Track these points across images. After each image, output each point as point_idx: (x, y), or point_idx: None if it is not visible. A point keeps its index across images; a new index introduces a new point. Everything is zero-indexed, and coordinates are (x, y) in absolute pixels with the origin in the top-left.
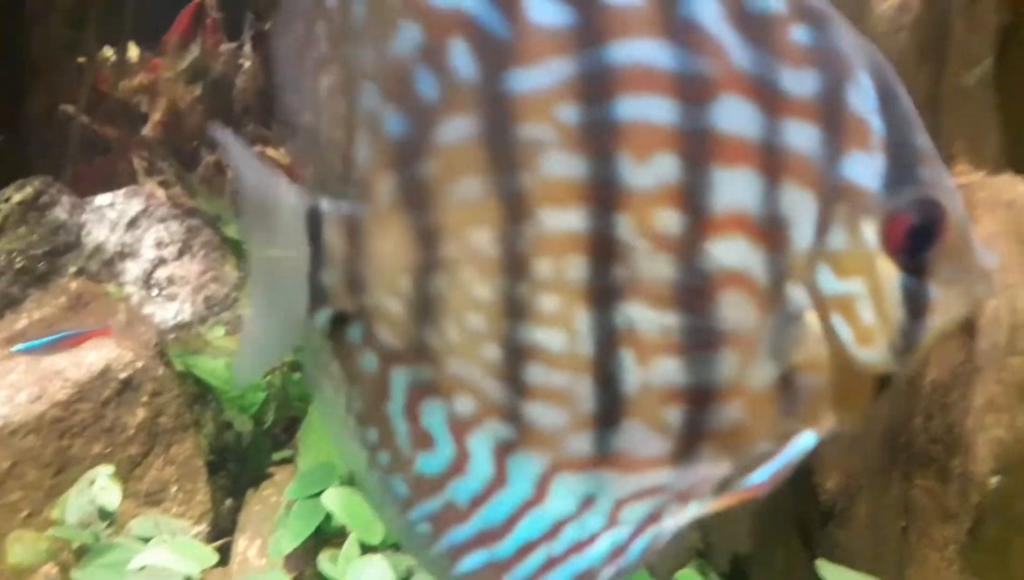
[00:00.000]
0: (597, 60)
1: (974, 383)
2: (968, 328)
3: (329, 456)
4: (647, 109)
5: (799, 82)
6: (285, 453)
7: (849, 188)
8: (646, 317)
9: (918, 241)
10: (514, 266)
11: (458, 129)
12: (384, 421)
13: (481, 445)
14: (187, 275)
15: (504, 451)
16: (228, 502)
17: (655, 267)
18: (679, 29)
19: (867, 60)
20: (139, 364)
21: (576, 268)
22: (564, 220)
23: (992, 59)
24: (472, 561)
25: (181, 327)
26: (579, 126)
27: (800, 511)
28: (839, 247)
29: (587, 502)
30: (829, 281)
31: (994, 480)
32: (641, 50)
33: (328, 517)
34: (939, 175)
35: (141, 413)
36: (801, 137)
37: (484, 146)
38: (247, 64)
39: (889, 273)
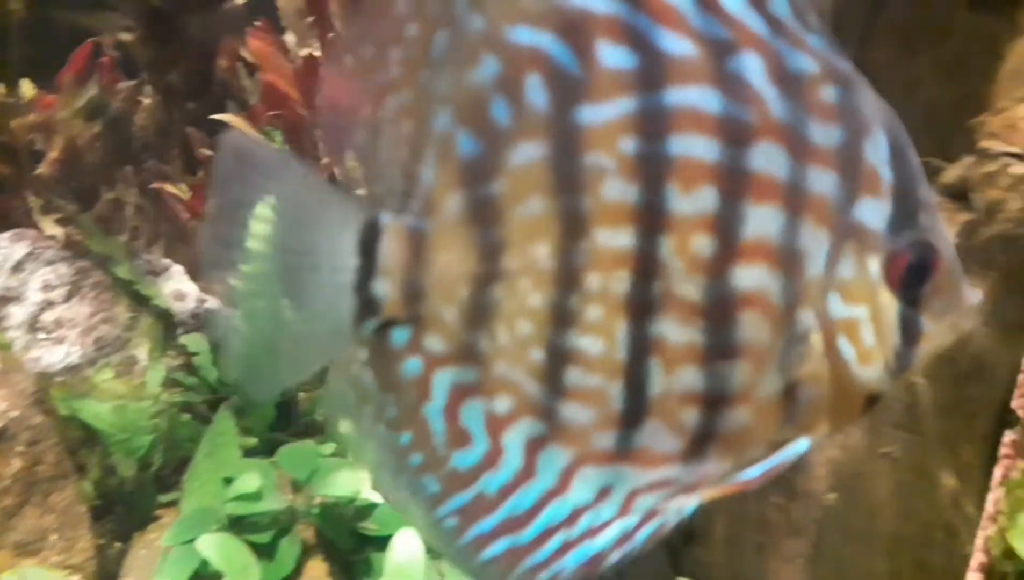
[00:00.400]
0: (654, 101)
1: None
2: None
3: (211, 500)
4: (694, 147)
5: (824, 134)
6: (174, 495)
7: (859, 228)
8: (674, 329)
9: (914, 277)
10: (566, 279)
11: (526, 153)
12: (421, 423)
13: (514, 440)
14: (76, 317)
15: (535, 446)
16: (116, 546)
17: (687, 286)
18: (726, 80)
19: (883, 119)
20: (13, 414)
21: (619, 282)
22: (614, 239)
23: None
24: (496, 547)
25: (69, 370)
26: (634, 157)
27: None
28: (847, 278)
29: (603, 492)
30: (837, 307)
31: (831, 496)
32: (693, 95)
33: (206, 562)
34: (935, 221)
35: (16, 463)
36: (822, 182)
37: (549, 170)
38: (146, 101)
39: (888, 303)
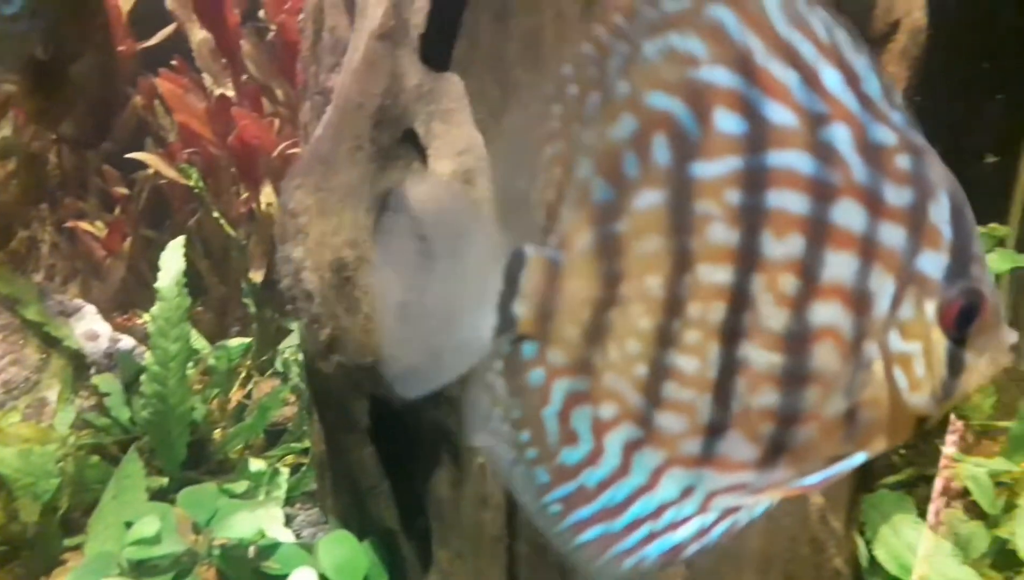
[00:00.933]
0: (757, 161)
1: None
2: None
3: (112, 545)
4: (787, 201)
5: (897, 196)
6: (80, 539)
7: (920, 276)
8: (759, 354)
9: (963, 320)
10: (671, 306)
11: (648, 200)
12: (539, 424)
13: (614, 443)
14: None
15: (631, 448)
16: None
17: (773, 317)
18: (819, 147)
19: (947, 184)
20: None
21: (715, 311)
22: (714, 275)
23: None
24: (591, 533)
25: None
26: (738, 207)
27: (549, 556)
28: (906, 318)
29: (687, 491)
30: (896, 342)
31: None
32: (790, 158)
33: None
34: (984, 271)
35: None
36: (892, 236)
37: (665, 215)
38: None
39: (939, 341)
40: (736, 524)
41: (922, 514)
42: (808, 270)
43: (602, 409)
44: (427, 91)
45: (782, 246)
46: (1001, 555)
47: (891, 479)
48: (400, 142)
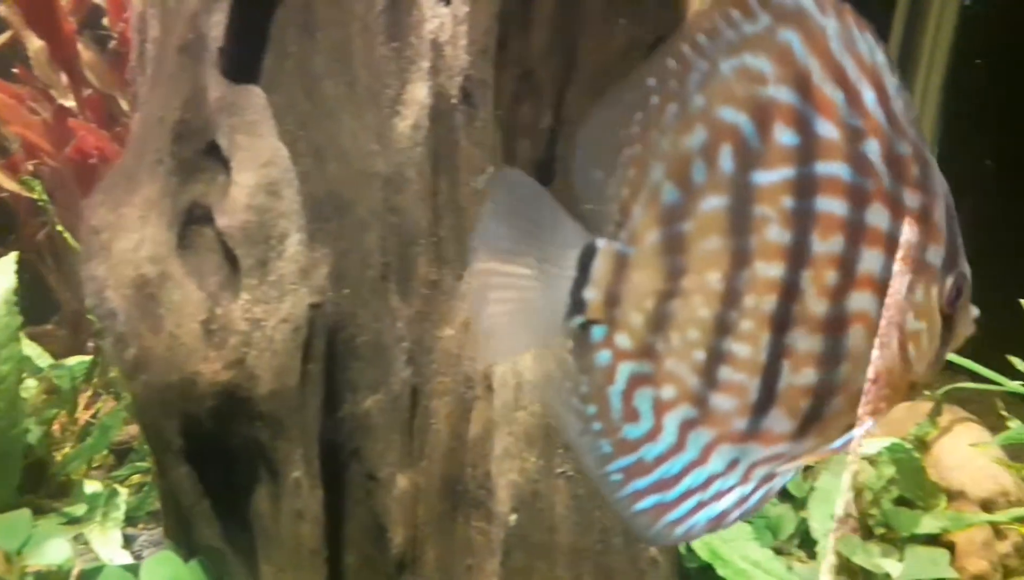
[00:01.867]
0: (807, 170)
1: (494, 436)
2: (487, 388)
3: None
4: (831, 205)
5: (912, 200)
6: None
7: (927, 266)
8: (802, 339)
9: (954, 300)
10: (728, 298)
11: (712, 203)
12: (604, 400)
13: (672, 421)
14: None
15: (687, 426)
16: None
17: (816, 306)
18: (856, 158)
19: (943, 188)
20: None
21: (767, 303)
22: (768, 270)
23: (494, 168)
24: (647, 502)
25: None
26: (791, 210)
27: (377, 566)
28: (918, 301)
29: (732, 464)
30: (911, 322)
31: (513, 517)
32: (834, 168)
33: None
34: (964, 260)
35: None
36: (908, 234)
37: (726, 217)
38: None
39: (938, 319)
40: (771, 490)
41: None
42: (846, 264)
43: (663, 391)
44: (229, 104)
45: (826, 245)
46: (807, 535)
47: None
48: (203, 155)
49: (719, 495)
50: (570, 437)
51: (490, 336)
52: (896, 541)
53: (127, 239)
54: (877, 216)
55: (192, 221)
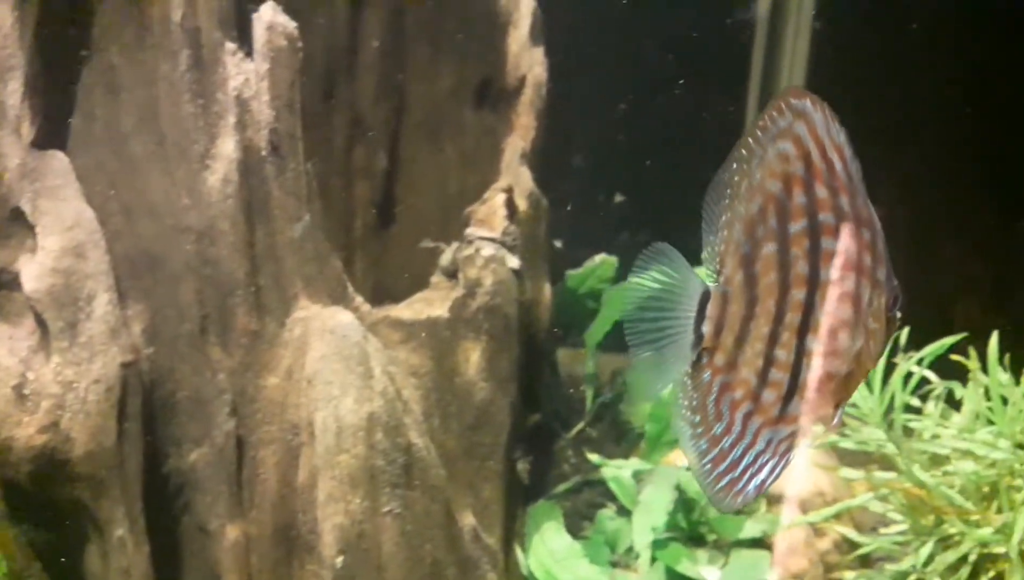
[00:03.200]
0: (814, 220)
1: (317, 481)
2: (310, 435)
3: None
4: (828, 243)
5: (867, 233)
6: None
7: (879, 282)
8: (814, 342)
9: (893, 306)
10: (778, 317)
11: (768, 249)
12: (704, 408)
13: (739, 416)
14: None
15: (747, 417)
16: None
17: (821, 317)
18: (837, 209)
19: (878, 220)
20: None
21: (797, 318)
22: (798, 295)
23: (310, 215)
24: (723, 482)
25: None
26: (807, 249)
27: None
28: (875, 308)
29: (768, 442)
30: (871, 323)
31: (339, 559)
32: (826, 217)
33: None
34: (892, 274)
35: None
36: (867, 258)
37: (776, 258)
38: None
39: (884, 321)
40: (788, 461)
41: (583, 518)
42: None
43: (736, 393)
44: (31, 170)
45: (826, 272)
46: None
47: (562, 487)
48: (8, 222)
49: (760, 467)
50: (682, 443)
51: (643, 375)
52: (724, 547)
53: None
54: (854, 248)
55: (1, 287)
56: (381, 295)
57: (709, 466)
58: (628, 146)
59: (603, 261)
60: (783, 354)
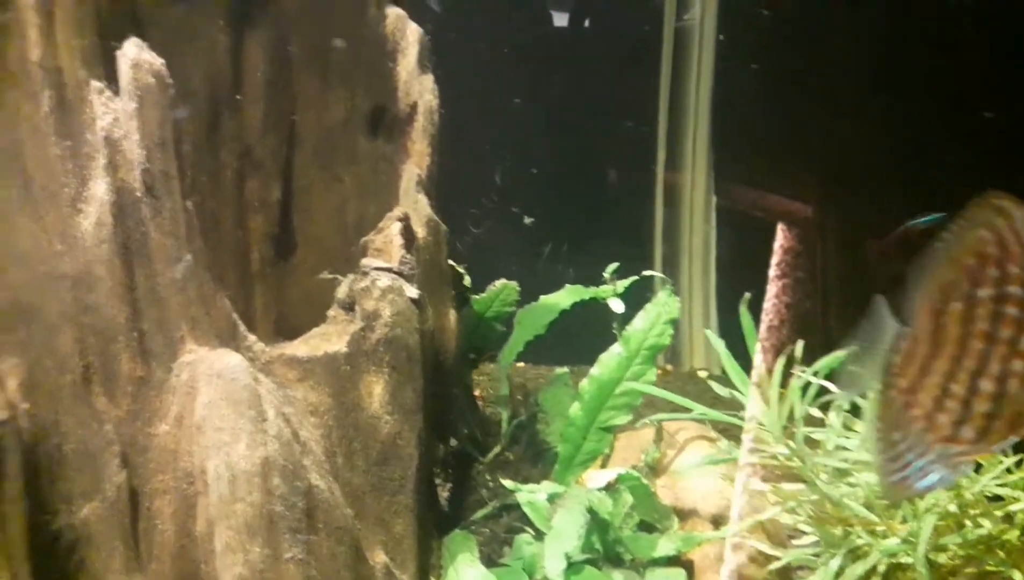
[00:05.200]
0: (1003, 289)
1: (213, 532)
2: (204, 483)
3: None
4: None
5: None
6: None
7: None
8: (984, 382)
9: None
10: (958, 360)
11: (955, 307)
12: (888, 418)
13: (916, 430)
14: None
15: (922, 433)
16: None
17: (993, 365)
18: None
19: None
20: None
21: (973, 363)
22: (977, 348)
23: (191, 255)
24: (895, 477)
25: None
26: (1002, 316)
27: None
28: None
29: (938, 456)
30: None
31: None
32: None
33: None
34: None
35: None
36: None
37: (963, 315)
38: None
39: None
40: (956, 473)
41: (503, 544)
42: (1014, 340)
43: (915, 412)
44: None
45: (1006, 332)
46: None
47: (480, 513)
48: None
49: (927, 473)
50: (876, 459)
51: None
52: (640, 566)
53: None
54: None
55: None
56: (284, 329)
57: (886, 463)
58: (535, 168)
59: (504, 286)
60: (958, 389)
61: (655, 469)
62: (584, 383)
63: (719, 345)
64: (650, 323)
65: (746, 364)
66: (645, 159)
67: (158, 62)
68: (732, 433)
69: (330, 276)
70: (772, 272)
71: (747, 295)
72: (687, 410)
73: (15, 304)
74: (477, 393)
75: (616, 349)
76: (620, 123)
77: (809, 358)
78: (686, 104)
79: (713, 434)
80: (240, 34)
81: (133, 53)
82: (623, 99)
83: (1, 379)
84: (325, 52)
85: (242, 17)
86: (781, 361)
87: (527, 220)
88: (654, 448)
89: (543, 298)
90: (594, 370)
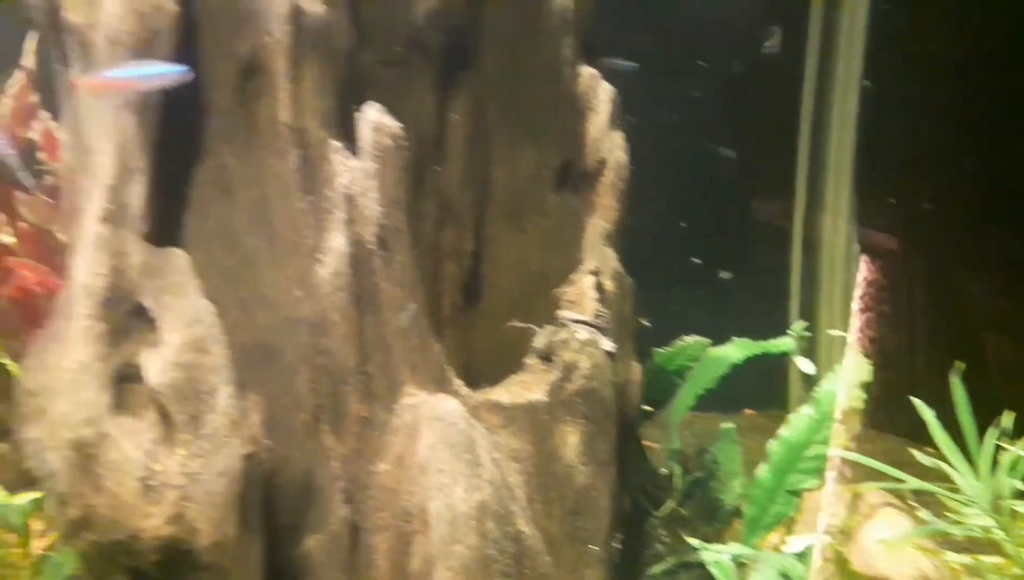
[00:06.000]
0: None
1: (432, 570)
2: (424, 522)
3: None
4: None
5: None
6: None
7: None
8: None
9: None
10: None
11: None
12: None
13: None
14: None
15: None
16: None
17: None
18: None
19: None
20: None
21: None
22: None
23: (415, 305)
24: None
25: None
26: None
27: None
28: None
29: None
30: None
31: None
32: None
33: None
34: None
35: None
36: None
37: None
38: None
39: None
40: None
41: None
42: None
43: None
44: (152, 267)
45: None
46: None
47: (658, 568)
48: (131, 317)
49: None
50: None
51: None
52: None
53: (62, 402)
54: None
55: (125, 380)
56: (470, 374)
57: None
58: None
59: (696, 342)
60: None
61: (848, 534)
62: (772, 444)
63: (928, 415)
64: (842, 385)
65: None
66: (785, 206)
67: (396, 125)
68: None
69: (522, 325)
70: (856, 305)
71: (960, 364)
72: (892, 478)
73: (260, 345)
74: (645, 444)
75: (807, 410)
76: (760, 171)
77: (895, 395)
78: (827, 145)
79: (893, 498)
80: (445, 95)
81: (374, 116)
82: (762, 146)
83: (246, 414)
84: (519, 111)
85: (448, 79)
86: (993, 432)
87: (695, 260)
88: (848, 514)
89: (712, 351)
90: (783, 431)
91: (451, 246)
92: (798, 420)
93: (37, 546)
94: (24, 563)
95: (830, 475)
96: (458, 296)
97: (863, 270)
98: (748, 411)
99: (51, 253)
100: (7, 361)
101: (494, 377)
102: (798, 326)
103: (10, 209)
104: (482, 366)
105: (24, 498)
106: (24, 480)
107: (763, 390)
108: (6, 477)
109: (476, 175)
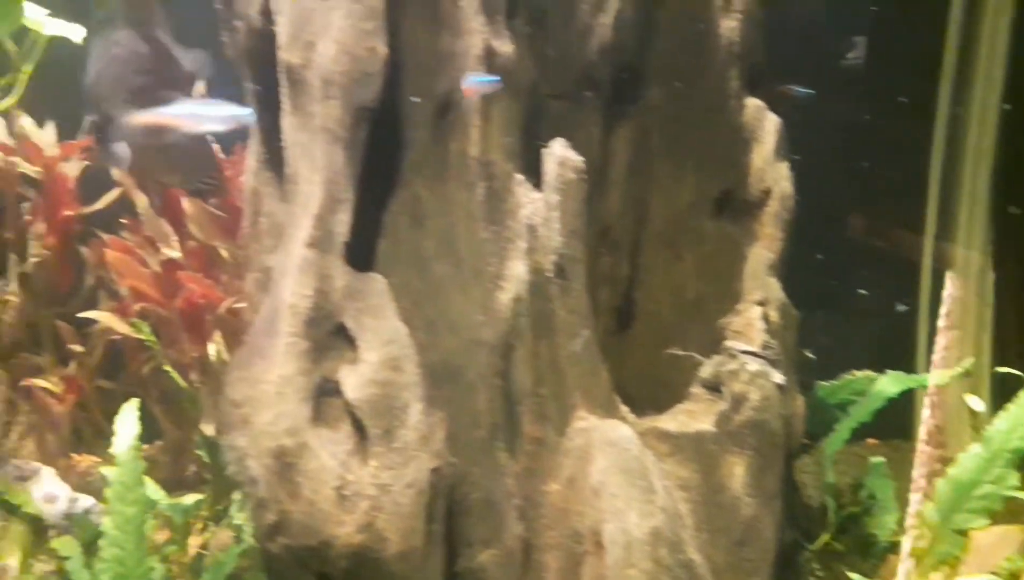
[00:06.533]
0: None
1: None
2: (596, 544)
3: None
4: None
5: None
6: None
7: None
8: None
9: None
10: None
11: None
12: None
13: None
14: None
15: None
16: None
17: None
18: None
19: None
20: None
21: None
22: None
23: (588, 331)
24: None
25: None
26: None
27: None
28: None
29: None
30: None
31: None
32: None
33: None
34: None
35: None
36: None
37: None
38: (14, 299)
39: None
40: None
41: None
42: None
43: None
44: (354, 290)
45: None
46: None
47: None
48: (332, 336)
49: None
50: None
51: None
52: None
53: (266, 413)
54: None
55: (324, 394)
56: (623, 399)
57: None
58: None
59: (865, 377)
60: None
61: (1017, 577)
62: (940, 483)
63: None
64: (1014, 424)
65: None
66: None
67: (579, 160)
68: None
69: (681, 353)
70: (942, 322)
71: None
72: None
73: (445, 365)
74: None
75: (976, 449)
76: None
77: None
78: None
79: None
80: (611, 125)
81: (559, 152)
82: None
83: (433, 429)
84: (682, 141)
85: (614, 110)
86: None
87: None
88: (1018, 556)
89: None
90: (952, 470)
91: (606, 272)
92: (967, 459)
93: (194, 544)
94: (184, 560)
95: None
96: (611, 321)
97: (948, 286)
98: (870, 440)
99: (213, 268)
100: (170, 369)
101: (645, 403)
102: (966, 363)
103: (180, 224)
104: (633, 392)
105: (189, 499)
106: (174, 480)
107: (884, 419)
108: (158, 476)
109: (635, 203)
